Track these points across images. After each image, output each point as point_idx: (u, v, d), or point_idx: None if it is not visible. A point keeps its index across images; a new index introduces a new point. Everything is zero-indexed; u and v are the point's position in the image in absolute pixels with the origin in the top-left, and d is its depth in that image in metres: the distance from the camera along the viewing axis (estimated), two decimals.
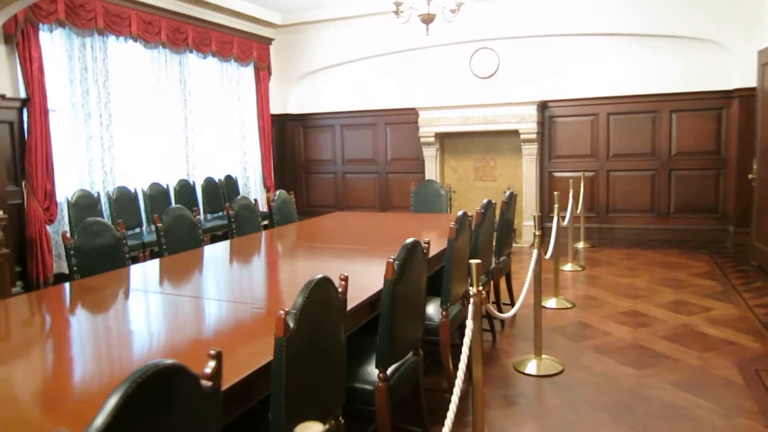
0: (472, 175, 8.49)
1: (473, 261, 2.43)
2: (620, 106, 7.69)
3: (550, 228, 5.92)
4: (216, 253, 3.99)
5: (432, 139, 8.20)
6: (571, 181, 6.75)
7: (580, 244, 7.57)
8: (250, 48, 8.62)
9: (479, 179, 8.46)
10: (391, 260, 2.37)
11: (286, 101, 9.55)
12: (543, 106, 7.97)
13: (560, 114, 7.98)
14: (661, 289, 5.38)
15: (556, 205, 5.17)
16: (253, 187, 9.01)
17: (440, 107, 8.07)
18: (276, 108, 9.46)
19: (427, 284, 2.85)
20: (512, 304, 4.76)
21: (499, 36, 8.05)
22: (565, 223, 6.28)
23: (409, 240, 2.52)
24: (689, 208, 7.53)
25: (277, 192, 5.59)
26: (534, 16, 7.80)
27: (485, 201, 3.99)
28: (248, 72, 8.82)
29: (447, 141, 8.57)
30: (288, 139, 9.69)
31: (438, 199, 6.00)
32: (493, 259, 4.47)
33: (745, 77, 6.94)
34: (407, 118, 8.57)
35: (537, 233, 3.80)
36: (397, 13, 5.97)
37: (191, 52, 7.61)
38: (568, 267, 6.34)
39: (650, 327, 4.40)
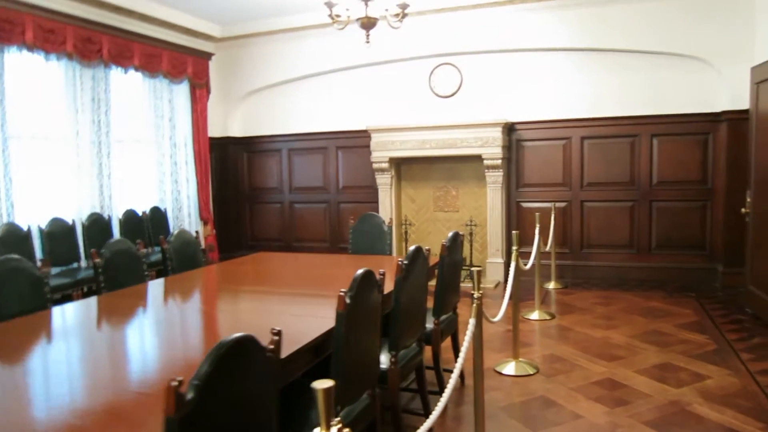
0: (432, 206, 7.58)
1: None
2: (596, 129, 6.86)
3: (520, 269, 5.01)
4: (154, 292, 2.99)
5: (386, 165, 7.30)
6: (537, 214, 5.84)
7: (551, 285, 6.65)
8: (183, 63, 7.69)
9: (440, 210, 7.54)
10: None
11: (227, 123, 8.61)
12: (510, 128, 7.12)
13: (529, 137, 7.13)
14: (643, 348, 4.45)
15: (514, 248, 4.23)
16: (187, 220, 8.00)
17: (394, 129, 7.18)
18: (216, 130, 8.51)
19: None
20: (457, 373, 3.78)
21: (462, 50, 7.23)
22: (531, 262, 5.37)
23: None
24: (672, 243, 6.68)
25: (174, 231, 4.58)
26: (501, 29, 6.99)
27: (412, 249, 3.03)
28: (182, 90, 7.87)
29: (404, 167, 7.67)
30: (230, 165, 8.72)
31: (381, 237, 5.06)
32: (436, 318, 3.51)
33: (735, 98, 6.15)
34: (360, 141, 7.67)
35: (476, 293, 2.84)
36: (332, 17, 5.09)
37: (109, 66, 6.64)
38: (534, 315, 5.41)
39: (631, 405, 3.46)
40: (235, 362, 1.51)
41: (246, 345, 1.55)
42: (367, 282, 2.38)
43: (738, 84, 6.08)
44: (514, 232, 4.20)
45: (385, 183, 7.44)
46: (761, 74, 5.15)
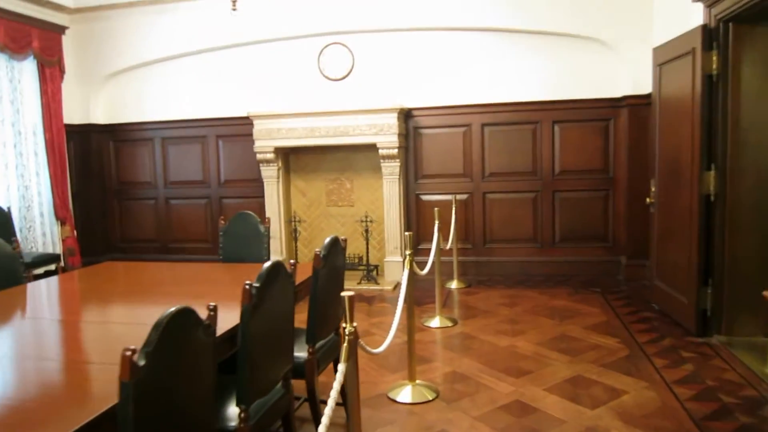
0: (325, 200, 6.88)
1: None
2: (496, 115, 6.42)
3: (421, 264, 4.44)
4: None
5: (271, 156, 6.50)
6: (436, 209, 5.29)
7: (453, 284, 6.16)
8: (27, 36, 6.48)
9: (333, 204, 6.86)
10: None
11: (89, 108, 7.46)
12: (407, 114, 6.54)
13: (427, 125, 6.59)
14: (552, 358, 4.00)
15: (407, 252, 3.61)
16: (39, 220, 6.82)
17: (280, 115, 6.39)
18: (75, 116, 7.35)
19: None
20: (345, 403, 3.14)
21: (354, 29, 6.55)
22: (430, 261, 4.82)
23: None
24: (576, 236, 6.38)
25: None
26: (395, 6, 6.37)
27: (268, 265, 2.32)
28: (27, 68, 6.66)
29: (293, 158, 6.91)
30: (93, 157, 7.58)
31: (256, 240, 4.31)
32: (305, 348, 2.83)
33: (636, 83, 5.90)
34: (243, 129, 6.82)
35: (348, 327, 2.20)
36: None
37: None
38: (435, 322, 4.86)
39: None
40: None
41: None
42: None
43: (638, 67, 5.82)
44: (406, 233, 3.57)
45: (271, 175, 6.64)
46: (664, 55, 4.85)
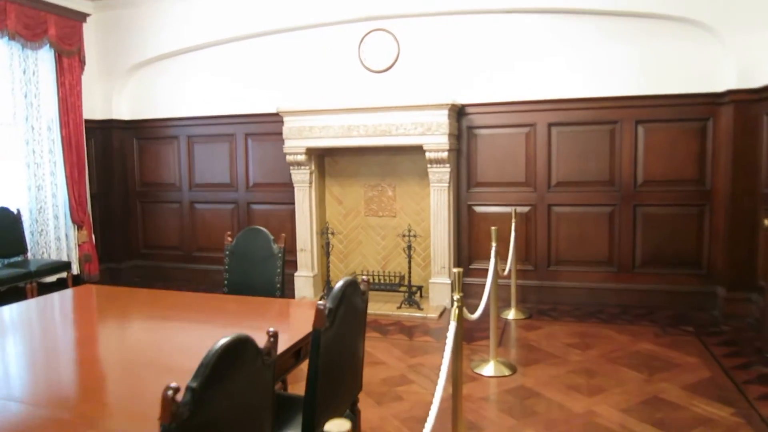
0: (363, 209, 6.02)
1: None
2: (566, 113, 5.41)
3: (474, 287, 3.52)
4: None
5: (302, 157, 5.69)
6: (494, 229, 4.31)
7: (511, 314, 5.19)
8: (42, 22, 5.89)
9: (373, 214, 5.99)
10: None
11: (112, 103, 6.85)
12: (459, 112, 5.61)
13: (483, 124, 5.63)
14: None
15: (456, 298, 2.68)
16: (53, 224, 6.23)
17: (313, 111, 5.57)
18: (97, 111, 6.76)
19: None
20: None
21: (400, 12, 5.67)
22: (487, 290, 3.88)
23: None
24: (661, 260, 5.29)
25: None
26: None
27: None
28: (44, 58, 6.08)
29: (329, 161, 6.09)
30: (116, 155, 6.97)
31: (268, 263, 3.49)
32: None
33: (743, 75, 4.78)
34: (274, 127, 6.04)
35: None
36: None
37: None
38: (488, 369, 3.92)
39: None
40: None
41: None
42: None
43: (748, 56, 4.71)
44: (455, 270, 2.63)
45: (302, 180, 5.83)
46: None
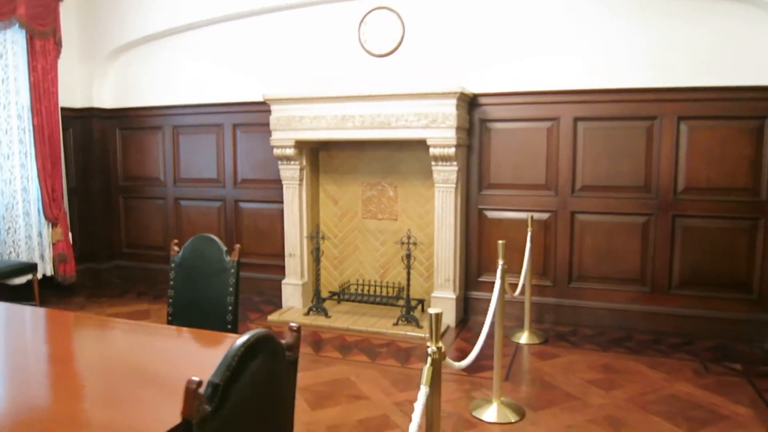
0: (361, 210, 5.35)
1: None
2: (595, 107, 4.65)
3: (484, 303, 2.84)
4: None
5: (291, 151, 5.03)
6: (501, 243, 3.57)
7: (523, 337, 4.46)
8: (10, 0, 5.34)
9: (371, 216, 5.31)
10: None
11: (92, 89, 6.27)
12: (471, 102, 4.89)
13: (498, 116, 4.91)
14: None
15: (432, 335, 1.99)
16: (24, 221, 5.67)
17: (303, 99, 4.90)
18: (77, 99, 6.19)
19: None
20: None
21: None
22: (492, 307, 3.18)
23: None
24: (703, 280, 4.52)
25: None
26: None
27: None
28: (15, 40, 5.52)
29: (323, 156, 5.42)
30: (96, 147, 6.39)
31: (218, 280, 2.85)
32: None
33: None
34: (264, 117, 5.38)
35: None
36: None
37: None
38: (490, 412, 3.21)
39: None
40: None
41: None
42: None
43: None
44: (432, 312, 1.93)
45: (291, 177, 5.17)
46: None
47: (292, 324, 1.57)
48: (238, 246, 2.87)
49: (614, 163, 4.63)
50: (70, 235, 6.06)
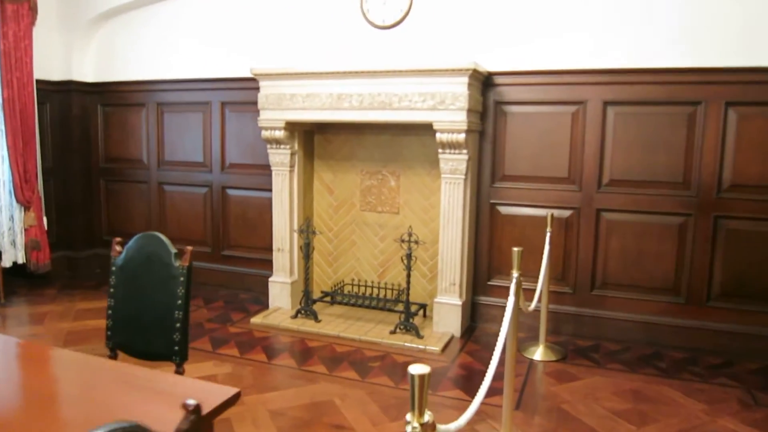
0: (359, 202, 4.79)
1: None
2: (628, 89, 4.03)
3: (494, 310, 2.28)
4: None
5: (281, 134, 4.47)
6: (517, 252, 2.97)
7: (537, 353, 3.90)
8: None
9: (371, 209, 4.75)
10: None
11: (72, 61, 5.74)
12: (485, 81, 4.29)
13: (516, 98, 4.30)
14: None
15: (413, 404, 1.43)
16: None
17: (293, 74, 4.33)
18: (55, 72, 5.66)
19: None
20: None
21: None
22: (506, 322, 2.62)
23: None
24: (748, 292, 3.91)
25: None
26: None
27: None
28: None
29: (319, 140, 4.86)
30: (76, 124, 5.86)
31: (165, 289, 2.32)
32: None
33: None
34: (255, 95, 4.81)
35: None
36: None
37: None
38: None
39: None
40: None
41: None
42: None
43: None
44: (415, 373, 1.41)
45: (281, 162, 4.62)
46: None
47: (189, 401, 1.00)
48: (189, 249, 2.33)
49: (648, 155, 4.02)
50: (44, 219, 5.57)
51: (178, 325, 2.30)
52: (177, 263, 2.32)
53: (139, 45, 5.53)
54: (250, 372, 3.55)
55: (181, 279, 2.30)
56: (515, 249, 2.70)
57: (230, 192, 5.31)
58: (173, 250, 2.35)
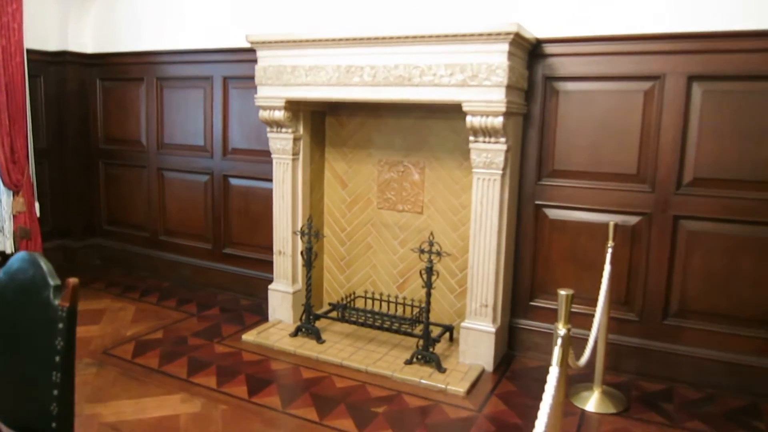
0: (376, 197, 3.99)
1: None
2: (721, 59, 3.06)
3: (537, 336, 1.47)
4: None
5: (281, 115, 3.70)
6: (564, 297, 2.09)
7: (591, 402, 3.03)
8: None
9: (389, 207, 3.95)
10: None
11: (68, 30, 5.13)
12: (531, 51, 3.39)
13: (572, 73, 3.39)
14: None
15: None
16: None
17: (294, 42, 3.53)
18: (50, 41, 5.08)
19: None
20: None
21: None
22: (556, 357, 1.77)
23: None
24: None
25: None
26: None
27: None
28: None
29: (332, 122, 4.08)
30: (73, 100, 5.27)
31: (40, 338, 1.60)
32: None
33: None
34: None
35: None
36: None
37: None
38: None
39: None
40: None
41: None
42: None
43: None
44: None
45: (282, 149, 3.86)
46: None
47: None
48: (73, 281, 1.60)
49: (748, 146, 3.05)
50: (37, 205, 5.03)
51: (55, 392, 1.58)
52: (56, 302, 1.60)
53: (140, 11, 4.86)
54: (221, 413, 2.85)
55: (60, 326, 1.58)
56: (562, 292, 1.84)
57: (232, 181, 4.61)
58: (53, 282, 1.64)
